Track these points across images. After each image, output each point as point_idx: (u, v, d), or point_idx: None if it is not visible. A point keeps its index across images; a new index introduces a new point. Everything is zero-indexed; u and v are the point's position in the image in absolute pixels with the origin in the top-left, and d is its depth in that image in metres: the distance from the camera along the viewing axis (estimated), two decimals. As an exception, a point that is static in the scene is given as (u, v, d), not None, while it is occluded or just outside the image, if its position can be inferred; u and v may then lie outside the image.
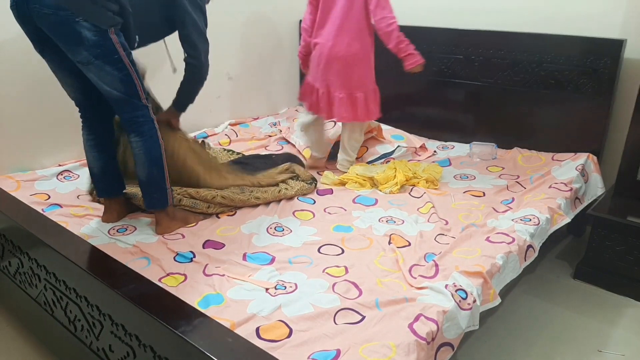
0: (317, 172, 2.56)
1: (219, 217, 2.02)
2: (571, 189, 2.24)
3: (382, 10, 2.28)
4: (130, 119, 1.78)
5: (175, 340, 1.15)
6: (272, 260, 1.71)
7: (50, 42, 1.66)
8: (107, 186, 1.94)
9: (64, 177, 2.31)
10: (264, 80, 3.38)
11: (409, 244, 1.82)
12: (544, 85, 2.64)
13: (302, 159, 2.66)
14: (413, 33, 2.98)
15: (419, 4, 3.07)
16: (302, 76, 2.78)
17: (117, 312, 1.34)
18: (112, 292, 1.31)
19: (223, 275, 1.59)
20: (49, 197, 2.13)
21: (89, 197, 2.17)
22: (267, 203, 2.14)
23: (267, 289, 1.52)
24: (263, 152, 2.84)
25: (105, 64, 1.66)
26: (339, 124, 2.66)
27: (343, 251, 1.77)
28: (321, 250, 1.78)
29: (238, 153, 2.71)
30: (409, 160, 2.65)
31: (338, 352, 1.24)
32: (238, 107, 3.26)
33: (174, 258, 1.70)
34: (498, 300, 1.60)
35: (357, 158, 2.76)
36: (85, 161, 2.42)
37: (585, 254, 2.29)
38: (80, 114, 1.90)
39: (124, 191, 2.01)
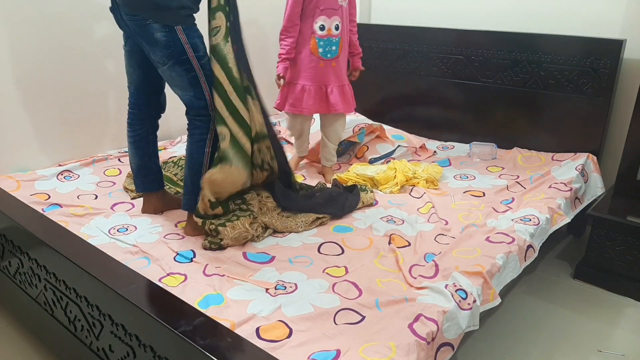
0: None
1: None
2: (571, 189, 2.25)
3: None
4: (190, 120, 1.84)
5: (175, 340, 1.15)
6: (272, 260, 1.71)
7: (133, 39, 1.78)
8: (142, 182, 2.02)
9: (64, 177, 2.32)
10: (263, 80, 3.36)
11: (409, 244, 1.82)
12: (543, 85, 2.64)
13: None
14: (413, 33, 3.00)
15: (419, 4, 3.07)
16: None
17: (117, 312, 1.34)
18: (112, 292, 1.31)
19: (223, 275, 1.59)
20: (49, 197, 2.12)
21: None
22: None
23: (267, 289, 1.52)
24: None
25: (175, 64, 1.71)
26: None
27: (343, 251, 1.77)
28: (321, 250, 1.78)
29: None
30: (409, 160, 2.64)
31: (338, 352, 1.24)
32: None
33: (174, 258, 1.70)
34: (498, 300, 1.60)
35: (358, 158, 2.76)
36: (86, 161, 2.46)
37: (585, 254, 2.29)
38: (128, 108, 1.97)
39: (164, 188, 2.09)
